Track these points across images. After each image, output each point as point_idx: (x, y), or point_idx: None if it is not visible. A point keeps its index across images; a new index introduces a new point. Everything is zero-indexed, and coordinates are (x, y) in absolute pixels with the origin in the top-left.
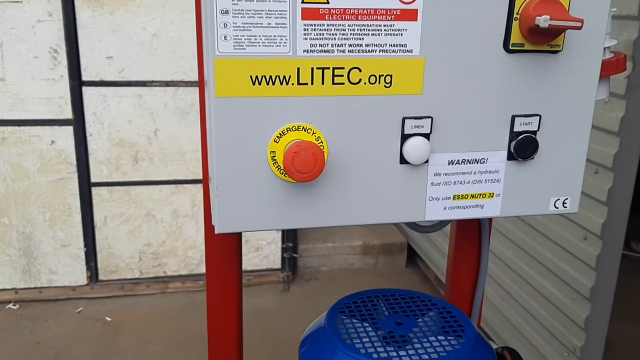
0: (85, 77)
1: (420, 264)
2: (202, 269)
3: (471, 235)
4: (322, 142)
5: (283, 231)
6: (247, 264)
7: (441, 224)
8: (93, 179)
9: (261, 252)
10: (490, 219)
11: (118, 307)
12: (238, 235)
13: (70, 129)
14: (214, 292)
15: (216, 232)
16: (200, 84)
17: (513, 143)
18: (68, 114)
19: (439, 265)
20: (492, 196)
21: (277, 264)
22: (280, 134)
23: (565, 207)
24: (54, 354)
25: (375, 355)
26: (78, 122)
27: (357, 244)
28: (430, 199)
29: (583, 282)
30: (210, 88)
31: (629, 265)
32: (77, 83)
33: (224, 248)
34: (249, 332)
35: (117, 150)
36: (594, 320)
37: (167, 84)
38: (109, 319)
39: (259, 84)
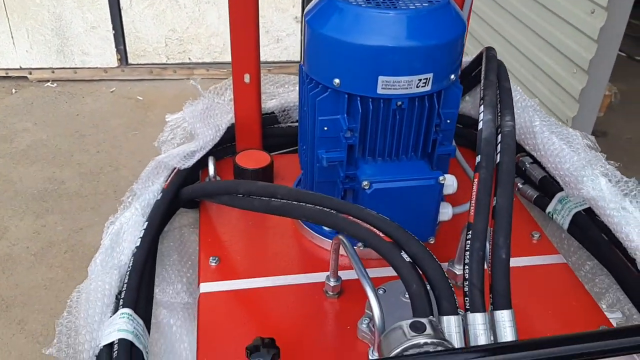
0: None
1: None
2: (225, 57)
3: None
4: None
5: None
6: (267, 55)
7: None
8: None
9: (281, 44)
10: None
11: (148, 89)
12: None
13: None
14: None
15: None
16: None
17: None
18: None
19: None
20: None
21: (297, 56)
22: None
23: None
24: (93, 124)
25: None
26: None
27: None
28: None
29: (584, 56)
30: None
31: None
32: None
33: None
34: None
35: None
36: (589, 91)
37: None
38: (140, 98)
39: None
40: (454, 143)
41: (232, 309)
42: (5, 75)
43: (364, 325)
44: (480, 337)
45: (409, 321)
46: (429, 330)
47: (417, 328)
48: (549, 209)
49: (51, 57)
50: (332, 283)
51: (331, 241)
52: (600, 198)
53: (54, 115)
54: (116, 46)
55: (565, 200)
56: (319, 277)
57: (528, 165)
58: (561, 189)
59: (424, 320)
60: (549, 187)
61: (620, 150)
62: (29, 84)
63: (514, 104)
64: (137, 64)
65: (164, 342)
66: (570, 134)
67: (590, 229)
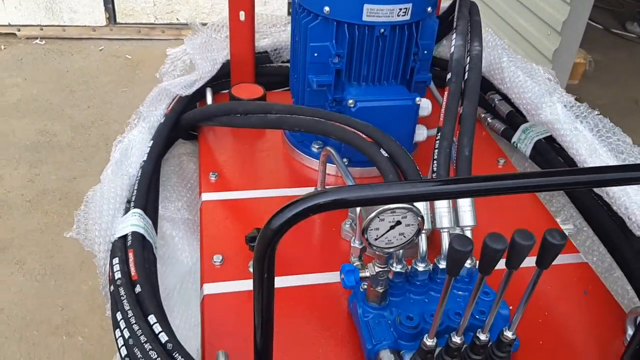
0: None
1: None
2: (213, 19)
3: None
4: None
5: None
6: None
7: None
8: None
9: (268, 7)
10: None
11: (136, 48)
12: None
13: None
14: None
15: None
16: None
17: None
18: None
19: None
20: None
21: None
22: None
23: None
24: (83, 80)
25: None
26: None
27: None
28: None
29: (557, 18)
30: None
31: (620, 43)
32: None
33: None
34: None
35: None
36: (562, 52)
37: None
38: (129, 56)
39: None
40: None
41: (230, 213)
42: None
43: (347, 225)
44: (444, 218)
45: None
46: None
47: None
48: (514, 139)
49: (40, 14)
50: None
51: (318, 161)
52: (556, 121)
53: (43, 72)
54: (105, 5)
55: (528, 130)
56: (308, 190)
57: (497, 102)
58: (526, 121)
59: None
60: (514, 120)
61: None
62: (17, 40)
63: (484, 42)
64: (126, 23)
65: (167, 249)
66: (533, 69)
67: (549, 153)
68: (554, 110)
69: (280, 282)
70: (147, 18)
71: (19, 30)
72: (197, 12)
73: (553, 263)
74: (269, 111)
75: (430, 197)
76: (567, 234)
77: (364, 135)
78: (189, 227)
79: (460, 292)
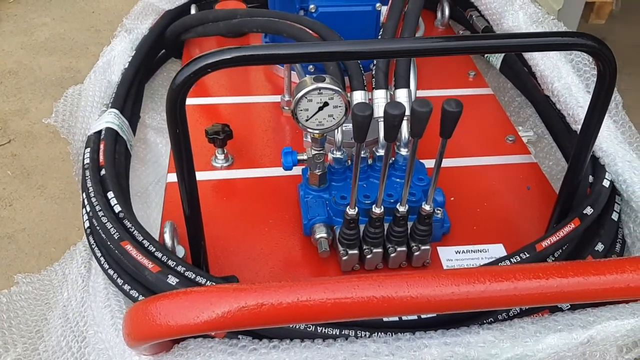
0: None
1: None
2: None
3: None
4: None
5: None
6: None
7: None
8: None
9: None
10: None
11: None
12: None
13: None
14: None
15: None
16: None
17: None
18: None
19: None
20: None
21: None
22: None
23: None
24: (108, 20)
25: None
26: None
27: None
28: None
29: None
30: None
31: None
32: None
33: None
34: None
35: None
36: None
37: None
38: None
39: None
40: None
41: (202, 114)
42: None
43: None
44: (380, 107)
45: (314, 75)
46: (328, 80)
47: (319, 79)
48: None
49: None
50: (286, 98)
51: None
52: (516, 28)
53: (71, 12)
54: None
55: None
56: (278, 97)
57: (474, 18)
58: None
59: (325, 75)
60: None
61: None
62: None
63: None
64: None
65: (148, 152)
66: None
67: (515, 64)
68: (515, 18)
69: (245, 173)
70: None
71: None
72: None
73: (503, 162)
74: (234, 16)
75: (336, 57)
76: (526, 140)
77: (310, 31)
78: None
79: (398, 180)
